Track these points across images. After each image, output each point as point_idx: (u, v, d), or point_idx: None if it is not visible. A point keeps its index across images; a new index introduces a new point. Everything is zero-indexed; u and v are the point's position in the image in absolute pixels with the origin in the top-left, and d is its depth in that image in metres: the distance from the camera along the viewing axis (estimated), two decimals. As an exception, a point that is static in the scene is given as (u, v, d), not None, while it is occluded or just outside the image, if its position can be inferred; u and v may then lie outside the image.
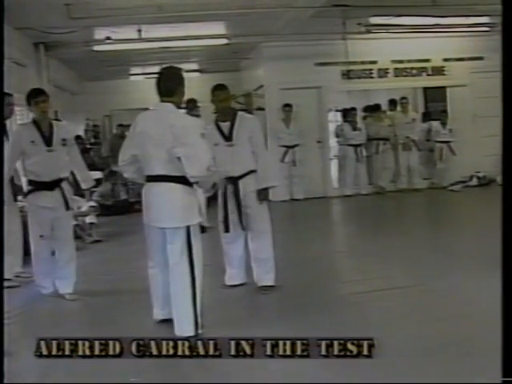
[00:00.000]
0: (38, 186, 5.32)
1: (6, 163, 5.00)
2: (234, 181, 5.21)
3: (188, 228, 4.06)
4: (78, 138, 12.72)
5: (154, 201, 4.12)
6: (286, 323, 4.35)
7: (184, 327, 4.07)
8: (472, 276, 5.13)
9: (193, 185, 4.10)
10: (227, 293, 5.32)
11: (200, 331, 4.08)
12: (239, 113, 5.36)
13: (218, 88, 5.30)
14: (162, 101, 4.16)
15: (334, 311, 4.67)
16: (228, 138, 5.22)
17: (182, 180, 4.04)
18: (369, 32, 10.74)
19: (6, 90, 5.51)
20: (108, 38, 10.14)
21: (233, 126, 5.22)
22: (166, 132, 4.00)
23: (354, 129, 11.89)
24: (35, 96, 5.44)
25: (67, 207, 5.42)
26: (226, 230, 5.25)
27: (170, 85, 4.16)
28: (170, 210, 4.07)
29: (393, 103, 12.26)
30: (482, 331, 3.78)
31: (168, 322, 4.26)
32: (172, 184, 4.06)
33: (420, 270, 5.75)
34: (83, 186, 5.82)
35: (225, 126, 5.25)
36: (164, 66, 4.49)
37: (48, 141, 5.34)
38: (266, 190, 5.22)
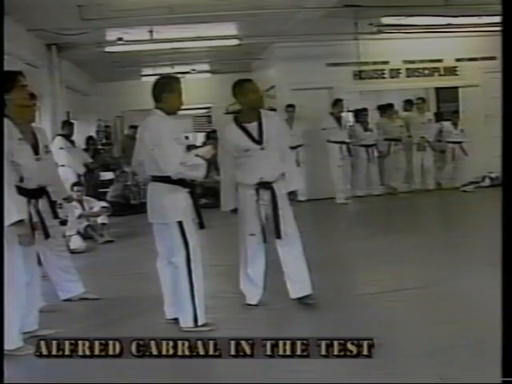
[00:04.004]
0: (23, 193, 4.51)
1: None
2: (268, 186, 4.79)
3: (180, 224, 4.26)
4: (89, 138, 12.82)
5: (147, 199, 4.49)
6: (296, 323, 4.35)
7: (184, 319, 4.30)
8: (484, 277, 5.09)
9: (179, 183, 4.30)
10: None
11: (204, 328, 4.25)
12: (262, 111, 4.86)
13: (246, 82, 4.85)
14: (155, 107, 4.42)
15: (345, 311, 4.65)
16: (259, 141, 4.75)
17: (166, 179, 4.28)
18: (380, 32, 10.71)
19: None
20: (120, 39, 10.19)
21: (260, 126, 4.77)
22: (147, 136, 4.30)
23: (366, 129, 11.85)
24: (31, 97, 4.99)
25: (55, 216, 5.07)
26: (265, 240, 4.80)
27: (159, 92, 4.39)
28: (155, 206, 4.38)
29: (409, 103, 12.20)
30: (495, 333, 3.76)
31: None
32: (157, 183, 4.35)
33: (432, 271, 5.72)
34: (54, 197, 5.12)
35: (251, 127, 4.77)
36: (174, 68, 4.58)
37: (35, 148, 4.82)
38: (293, 192, 4.99)
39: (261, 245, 4.85)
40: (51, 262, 5.33)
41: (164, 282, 4.52)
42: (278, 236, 4.74)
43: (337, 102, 11.36)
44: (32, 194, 4.72)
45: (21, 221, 3.92)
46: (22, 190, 4.41)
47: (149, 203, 4.44)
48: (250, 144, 4.73)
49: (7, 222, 3.80)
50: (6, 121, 4.31)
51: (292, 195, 4.96)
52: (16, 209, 3.89)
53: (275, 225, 4.75)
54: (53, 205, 5.06)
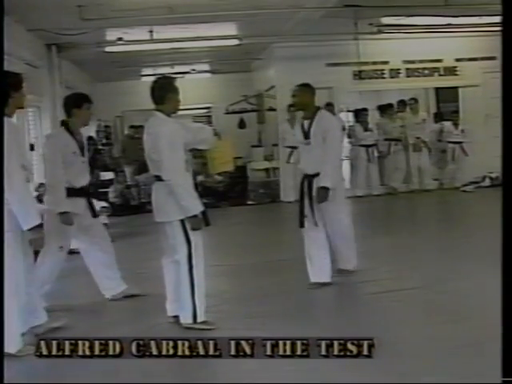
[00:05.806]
0: (70, 193, 5.02)
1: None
2: (309, 178, 5.36)
3: (183, 222, 4.30)
4: (89, 138, 12.81)
5: (152, 198, 4.55)
6: (296, 323, 4.35)
7: (184, 314, 4.35)
8: (484, 277, 5.10)
9: None
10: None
11: (203, 326, 4.28)
12: (321, 111, 5.49)
13: (298, 85, 5.55)
14: (156, 109, 4.44)
15: (347, 311, 4.66)
16: (306, 136, 5.40)
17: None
18: (380, 32, 10.71)
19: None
20: (119, 39, 10.18)
21: (311, 124, 5.37)
22: (148, 139, 4.41)
23: (366, 129, 11.85)
24: (90, 101, 5.20)
25: (94, 214, 5.26)
26: (301, 225, 5.37)
27: (160, 94, 4.42)
28: (159, 206, 4.44)
29: (401, 104, 12.19)
30: (495, 333, 3.76)
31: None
32: (160, 182, 4.37)
33: (432, 271, 5.72)
34: None
35: (306, 123, 5.43)
36: (167, 72, 4.61)
37: (83, 150, 5.18)
38: (324, 189, 5.19)
39: (314, 228, 5.33)
40: (94, 258, 5.37)
41: (168, 279, 4.57)
42: (315, 223, 5.31)
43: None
44: (79, 193, 5.10)
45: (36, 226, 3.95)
46: (71, 190, 4.98)
47: (154, 203, 4.50)
48: (301, 138, 5.47)
49: (27, 225, 3.86)
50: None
51: (321, 192, 5.18)
52: (36, 213, 3.95)
53: (311, 213, 5.29)
54: (91, 203, 5.26)
